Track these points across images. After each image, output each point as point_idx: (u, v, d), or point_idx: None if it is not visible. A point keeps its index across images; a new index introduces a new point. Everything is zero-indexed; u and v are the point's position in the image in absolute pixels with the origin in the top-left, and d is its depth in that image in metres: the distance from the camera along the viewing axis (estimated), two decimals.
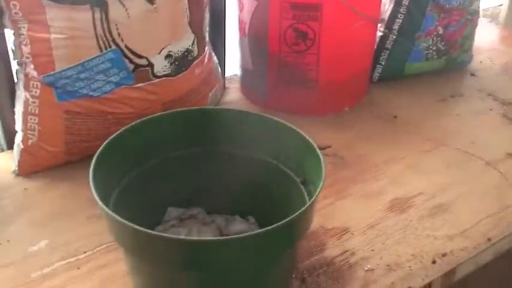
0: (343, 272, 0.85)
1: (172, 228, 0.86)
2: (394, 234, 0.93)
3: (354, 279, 0.84)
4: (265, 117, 0.82)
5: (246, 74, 1.34)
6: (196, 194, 0.87)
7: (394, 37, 1.37)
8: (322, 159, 0.71)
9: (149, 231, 0.61)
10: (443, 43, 1.41)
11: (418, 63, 1.42)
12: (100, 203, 0.64)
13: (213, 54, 1.23)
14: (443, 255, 0.89)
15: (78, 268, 0.84)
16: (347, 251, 0.89)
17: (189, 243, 0.63)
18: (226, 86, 1.40)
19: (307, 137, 0.76)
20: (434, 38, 1.39)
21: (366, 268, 0.86)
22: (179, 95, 1.09)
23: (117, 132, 0.77)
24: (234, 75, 1.43)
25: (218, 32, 1.31)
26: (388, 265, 0.86)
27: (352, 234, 0.93)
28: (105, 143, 0.74)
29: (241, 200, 0.86)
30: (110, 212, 0.63)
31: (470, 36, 1.46)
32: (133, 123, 0.80)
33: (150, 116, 0.82)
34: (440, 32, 1.38)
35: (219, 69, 1.29)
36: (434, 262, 0.88)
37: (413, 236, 0.93)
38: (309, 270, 0.85)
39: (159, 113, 0.85)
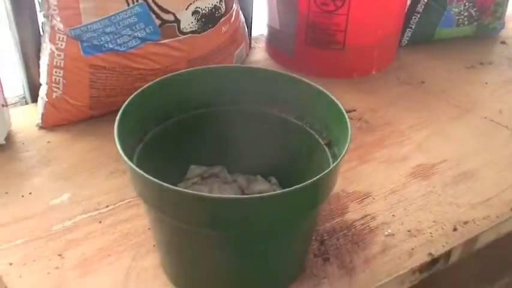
0: (363, 235, 0.85)
1: (193, 186, 0.86)
2: (417, 201, 0.92)
3: (374, 244, 0.83)
4: (292, 77, 0.81)
5: (273, 34, 1.33)
6: (218, 152, 0.87)
7: (426, 1, 1.35)
8: (348, 122, 0.70)
9: (172, 186, 0.60)
10: (475, 9, 1.38)
11: (448, 29, 1.40)
12: (125, 157, 0.64)
13: (240, 12, 1.22)
14: (465, 223, 0.88)
15: (100, 222, 0.85)
16: (368, 215, 0.89)
17: (210, 200, 0.63)
18: (252, 45, 1.39)
19: (334, 98, 0.75)
20: (467, 4, 1.36)
21: (386, 233, 0.85)
22: (205, 52, 1.08)
23: (143, 88, 0.76)
24: (261, 34, 1.41)
25: None
26: (408, 231, 0.86)
27: (374, 198, 0.92)
28: (130, 98, 0.74)
29: (263, 160, 0.86)
30: (134, 167, 0.63)
31: (503, 3, 1.43)
32: (158, 79, 0.79)
33: (175, 73, 0.81)
34: None
35: (246, 27, 1.28)
36: (455, 230, 0.87)
37: (436, 202, 0.92)
38: (329, 233, 0.85)
39: (184, 70, 0.84)
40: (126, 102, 0.73)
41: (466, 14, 1.38)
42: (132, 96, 0.74)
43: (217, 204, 0.62)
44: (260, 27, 1.40)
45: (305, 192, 0.64)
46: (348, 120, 0.71)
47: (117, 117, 0.70)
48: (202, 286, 0.75)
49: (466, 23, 1.40)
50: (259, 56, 1.37)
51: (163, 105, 0.80)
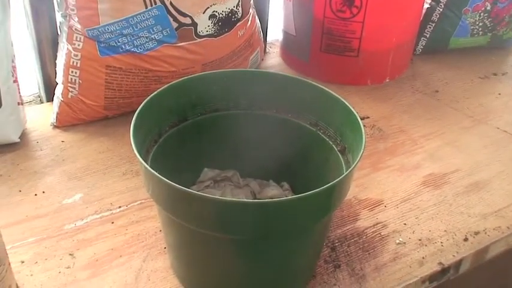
0: (374, 243, 0.85)
1: (206, 189, 0.86)
2: (428, 210, 0.92)
3: (385, 252, 0.83)
4: (308, 83, 0.81)
5: (288, 39, 1.33)
6: (232, 156, 0.87)
7: (441, 10, 1.35)
8: (363, 129, 0.70)
9: (184, 188, 0.60)
10: (490, 19, 1.37)
11: (463, 39, 1.40)
12: (139, 157, 0.64)
13: (256, 17, 1.22)
14: (476, 233, 0.88)
15: (112, 223, 0.85)
16: (379, 223, 0.89)
17: (222, 203, 0.63)
18: (267, 50, 1.40)
19: (349, 105, 0.75)
20: (482, 14, 1.36)
21: (398, 241, 0.85)
22: (220, 56, 1.08)
23: (158, 90, 0.76)
24: (276, 40, 1.42)
25: None
26: (419, 239, 0.86)
27: (386, 206, 0.92)
28: (146, 100, 0.74)
29: (276, 165, 0.86)
30: (148, 167, 0.63)
31: None
32: (174, 81, 0.79)
33: (190, 76, 0.81)
34: (488, 8, 1.35)
35: (261, 32, 1.28)
36: (466, 240, 0.87)
37: (447, 212, 0.92)
38: (340, 240, 0.85)
39: (200, 73, 0.84)
40: (142, 104, 0.73)
41: (480, 24, 1.37)
42: (148, 98, 0.74)
43: (229, 208, 0.62)
44: (275, 33, 1.40)
45: (318, 198, 0.64)
46: (362, 127, 0.71)
47: (133, 119, 0.70)
48: None
49: (480, 33, 1.40)
50: (273, 61, 1.37)
51: (178, 108, 0.80)
